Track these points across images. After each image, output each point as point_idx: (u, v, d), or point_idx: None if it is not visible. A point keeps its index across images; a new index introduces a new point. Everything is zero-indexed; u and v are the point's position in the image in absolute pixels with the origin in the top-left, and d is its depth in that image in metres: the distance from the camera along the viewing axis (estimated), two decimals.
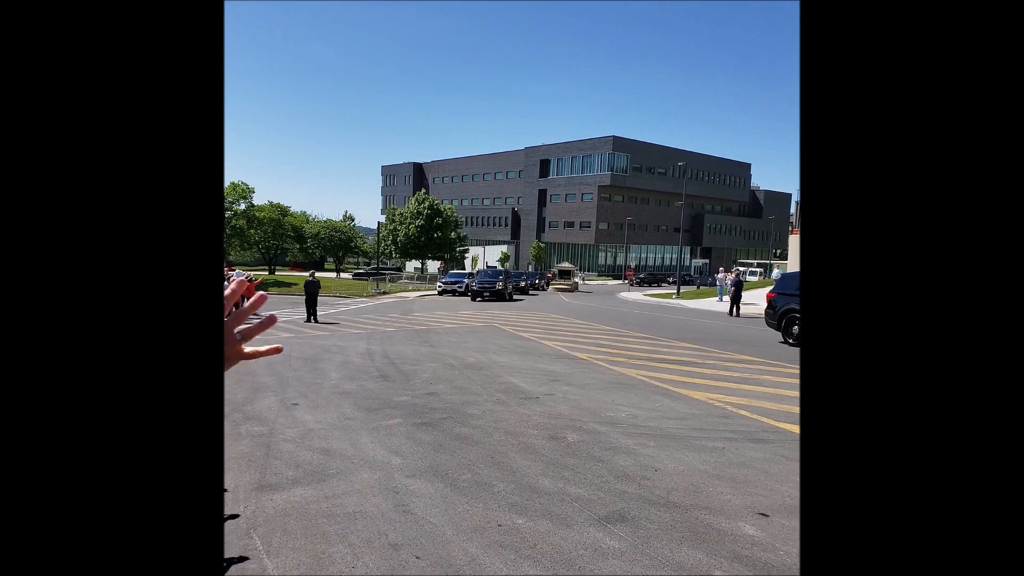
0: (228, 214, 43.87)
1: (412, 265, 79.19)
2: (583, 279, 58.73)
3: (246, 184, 49.33)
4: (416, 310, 22.30)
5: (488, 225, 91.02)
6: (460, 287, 29.35)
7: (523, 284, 31.63)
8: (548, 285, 46.48)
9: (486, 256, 77.32)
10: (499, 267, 31.18)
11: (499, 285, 23.99)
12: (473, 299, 23.27)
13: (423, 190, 58.88)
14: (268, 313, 0.84)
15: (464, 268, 74.29)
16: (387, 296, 31.12)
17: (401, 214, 57.77)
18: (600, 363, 9.32)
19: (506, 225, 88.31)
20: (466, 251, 63.95)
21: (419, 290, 36.50)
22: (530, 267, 78.37)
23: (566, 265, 47.01)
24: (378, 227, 42.98)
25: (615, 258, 72.36)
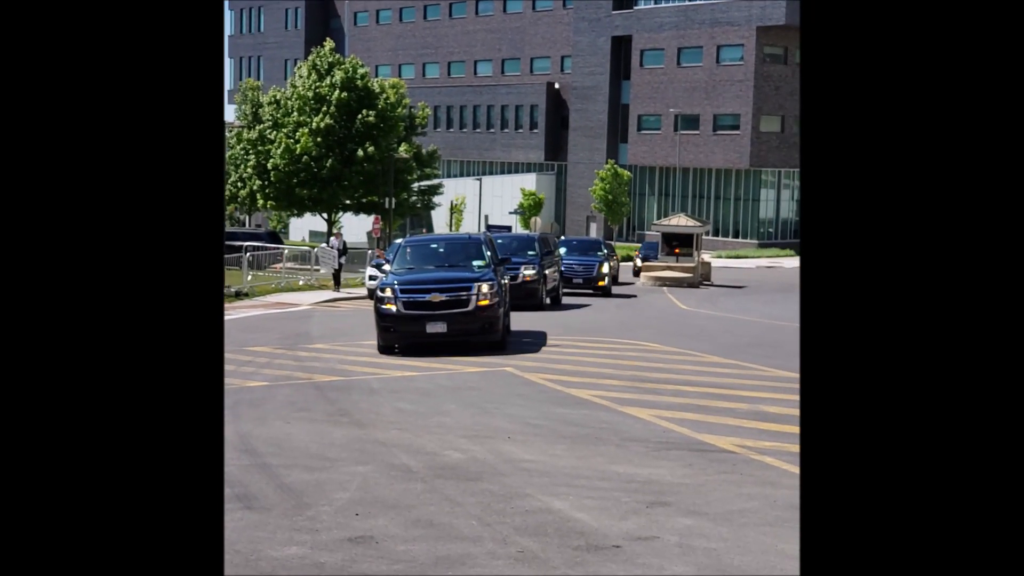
0: None
1: (303, 229, 79.83)
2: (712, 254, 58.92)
3: None
4: (316, 334, 23.08)
5: (489, 128, 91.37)
6: None
7: (530, 276, 28.08)
8: (639, 271, 47.42)
9: (484, 201, 77.76)
10: (484, 233, 25.93)
11: (472, 293, 18.59)
12: (384, 344, 18.70)
13: (327, 44, 59.47)
14: None
15: (432, 230, 74.86)
16: (247, 303, 32.35)
17: (277, 102, 58.38)
18: (763, 459, 9.43)
19: (534, 128, 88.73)
20: (437, 190, 64.56)
21: (324, 286, 37.44)
22: (592, 227, 78.53)
23: (682, 222, 47.30)
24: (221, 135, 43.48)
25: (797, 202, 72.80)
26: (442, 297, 18.48)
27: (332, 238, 39.48)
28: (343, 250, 37.70)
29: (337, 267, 36.83)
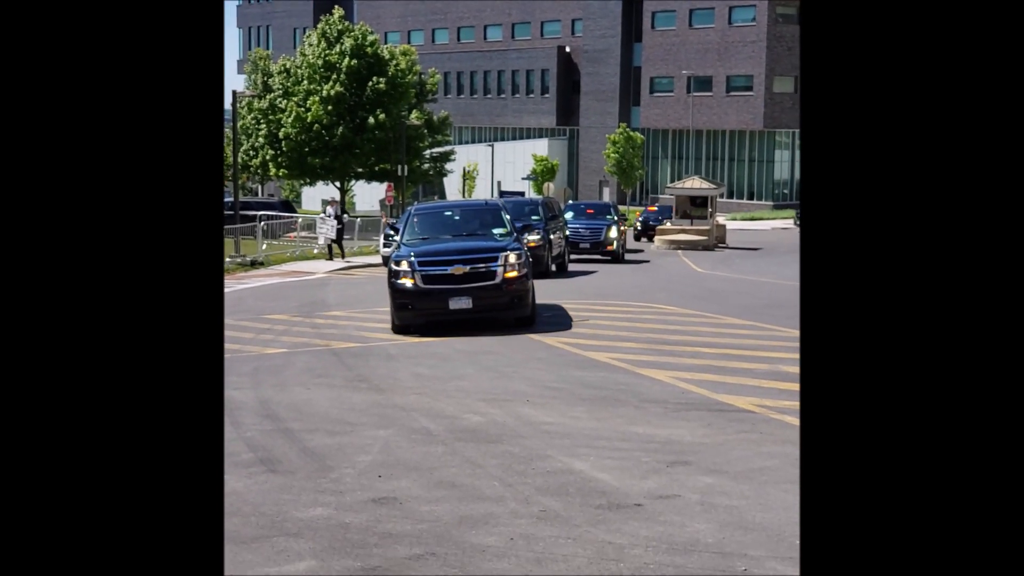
0: None
1: (316, 198, 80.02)
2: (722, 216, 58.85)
3: None
4: (332, 301, 23.17)
5: (500, 94, 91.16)
6: None
7: (534, 243, 25.48)
8: (652, 234, 47.55)
9: (496, 167, 77.70)
10: (500, 200, 24.88)
11: (498, 265, 16.75)
12: (400, 323, 16.83)
13: (336, 11, 59.31)
14: None
15: (445, 197, 74.75)
16: (262, 271, 32.50)
17: (287, 71, 58.37)
18: (783, 418, 9.52)
19: (546, 92, 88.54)
20: (449, 156, 64.55)
21: (337, 256, 37.43)
22: (606, 191, 78.39)
23: (695, 184, 47.22)
24: (233, 106, 43.51)
25: None
26: (465, 269, 16.58)
27: (328, 206, 38.30)
28: (339, 217, 36.93)
29: (333, 236, 36.16)
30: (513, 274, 16.71)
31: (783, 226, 62.62)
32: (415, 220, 19.02)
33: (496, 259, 16.73)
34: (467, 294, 16.41)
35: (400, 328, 16.76)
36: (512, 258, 16.80)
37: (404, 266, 16.62)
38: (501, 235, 18.14)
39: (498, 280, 16.61)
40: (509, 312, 17.06)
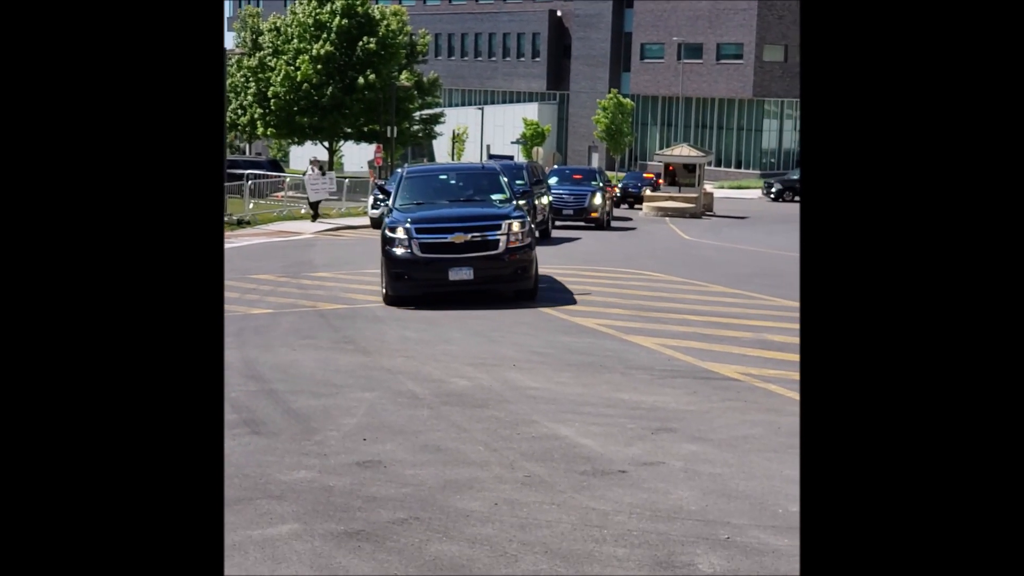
0: None
1: (303, 157, 79.88)
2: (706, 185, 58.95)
3: None
4: (319, 262, 23.05)
5: (491, 57, 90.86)
6: None
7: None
8: (641, 201, 47.65)
9: (486, 131, 77.56)
10: (498, 163, 24.34)
11: (501, 233, 15.69)
12: (395, 294, 15.64)
13: None
14: None
15: (434, 160, 74.59)
16: (249, 231, 32.30)
17: (277, 29, 58.05)
18: (768, 387, 9.54)
19: (536, 56, 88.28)
20: (439, 119, 64.39)
21: (326, 216, 37.36)
22: (595, 157, 78.44)
23: (683, 152, 47.24)
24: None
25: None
26: (466, 237, 15.46)
27: (311, 167, 37.18)
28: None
29: (335, 189, 35.40)
30: (516, 244, 15.69)
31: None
32: (407, 183, 17.92)
33: (499, 227, 15.69)
34: (468, 264, 15.38)
35: (394, 299, 15.63)
36: (516, 226, 15.78)
37: (400, 233, 15.55)
38: (501, 201, 17.20)
39: (500, 250, 15.57)
40: (511, 284, 16.01)
